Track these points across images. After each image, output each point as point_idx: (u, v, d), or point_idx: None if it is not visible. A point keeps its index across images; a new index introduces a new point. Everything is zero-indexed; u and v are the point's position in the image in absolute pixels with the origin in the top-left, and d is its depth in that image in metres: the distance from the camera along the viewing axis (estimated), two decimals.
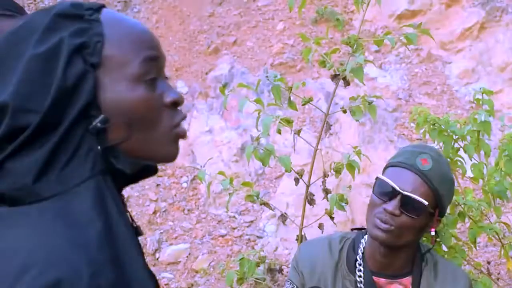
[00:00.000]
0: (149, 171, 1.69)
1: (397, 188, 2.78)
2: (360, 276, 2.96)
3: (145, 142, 1.61)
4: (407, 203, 2.77)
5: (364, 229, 3.10)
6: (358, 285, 2.96)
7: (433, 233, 2.95)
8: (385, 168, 2.95)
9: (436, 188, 2.81)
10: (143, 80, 1.59)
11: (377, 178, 2.90)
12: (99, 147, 1.52)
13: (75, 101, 1.50)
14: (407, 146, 3.08)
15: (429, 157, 2.84)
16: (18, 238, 1.47)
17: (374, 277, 2.97)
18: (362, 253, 3.00)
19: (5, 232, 1.49)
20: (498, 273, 5.73)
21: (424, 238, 3.17)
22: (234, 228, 7.68)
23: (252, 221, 7.73)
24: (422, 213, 2.80)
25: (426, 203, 2.78)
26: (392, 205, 2.76)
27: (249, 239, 7.54)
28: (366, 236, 3.02)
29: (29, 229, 1.46)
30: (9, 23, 2.64)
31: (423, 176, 2.80)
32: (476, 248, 4.06)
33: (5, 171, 1.50)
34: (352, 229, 3.19)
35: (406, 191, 2.77)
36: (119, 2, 10.72)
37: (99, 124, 1.51)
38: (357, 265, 2.99)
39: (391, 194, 2.79)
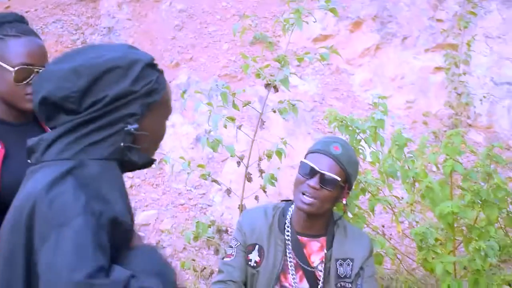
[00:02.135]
0: (150, 163, 1.93)
1: (317, 168, 2.82)
2: (288, 236, 2.97)
3: (154, 148, 1.92)
4: (324, 180, 2.82)
5: (290, 200, 3.10)
6: (287, 242, 2.96)
7: (344, 202, 2.96)
8: (306, 154, 2.98)
9: (345, 168, 2.86)
10: (168, 117, 1.92)
11: (301, 162, 2.93)
12: (122, 144, 1.76)
13: (127, 107, 1.74)
14: (322, 138, 3.11)
15: (339, 145, 2.90)
16: (41, 174, 1.72)
17: (298, 236, 2.99)
18: (290, 218, 3.01)
19: (36, 174, 1.74)
20: (390, 234, 5.74)
21: (335, 208, 3.18)
22: (190, 199, 7.63)
23: (204, 193, 7.69)
24: (336, 187, 2.85)
25: (339, 179, 2.83)
26: (313, 181, 2.81)
27: (201, 207, 7.50)
28: (292, 206, 3.03)
29: (49, 171, 1.70)
30: (16, 41, 2.57)
31: (335, 159, 2.85)
32: (373, 215, 4.05)
33: (54, 142, 1.75)
34: (282, 201, 3.18)
35: (324, 171, 2.82)
36: (104, 28, 10.59)
37: (131, 129, 1.75)
38: (286, 228, 2.99)
39: (312, 173, 2.83)
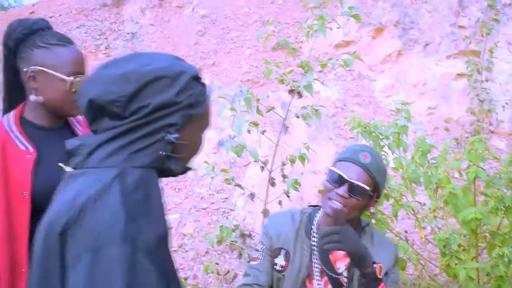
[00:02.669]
0: (186, 172, 1.95)
1: (346, 177, 2.79)
2: (314, 241, 2.94)
3: (190, 158, 1.93)
4: (353, 188, 2.78)
5: (317, 206, 3.09)
6: (313, 248, 2.94)
7: (372, 210, 2.95)
8: (335, 162, 2.93)
9: (374, 177, 2.83)
10: (206, 129, 1.94)
11: (329, 170, 2.89)
12: (161, 152, 1.77)
13: (169, 117, 1.76)
14: (351, 146, 3.06)
15: (368, 154, 2.86)
16: (82, 182, 1.71)
17: None
18: (317, 224, 2.99)
19: (77, 181, 1.74)
20: (413, 240, 5.72)
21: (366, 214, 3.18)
22: (213, 203, 7.65)
23: (226, 198, 7.70)
24: (364, 196, 2.81)
25: (367, 188, 2.80)
26: (342, 190, 2.78)
27: (224, 211, 7.51)
28: (320, 211, 3.02)
29: (91, 178, 1.71)
30: (64, 50, 2.63)
31: (365, 167, 2.81)
32: (396, 220, 4.05)
33: (97, 148, 1.75)
34: (309, 206, 3.18)
35: (352, 179, 2.78)
36: (127, 33, 10.65)
37: (171, 138, 1.76)
38: (312, 233, 2.97)
39: (341, 181, 2.80)
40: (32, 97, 2.63)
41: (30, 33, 2.63)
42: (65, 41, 2.67)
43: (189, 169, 1.94)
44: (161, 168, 1.80)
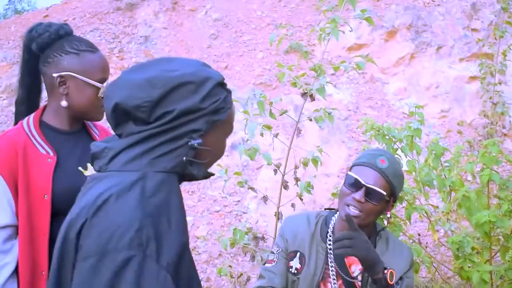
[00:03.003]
0: (207, 177, 1.94)
1: (362, 182, 2.79)
2: (330, 244, 2.94)
3: (212, 163, 1.93)
4: (370, 193, 2.78)
5: (334, 209, 3.10)
6: (329, 251, 2.94)
7: (388, 215, 2.94)
8: (352, 166, 2.94)
9: (391, 182, 2.82)
10: (229, 136, 1.94)
11: (346, 174, 2.89)
12: (184, 158, 1.77)
13: (193, 123, 1.77)
14: (368, 150, 3.06)
15: (386, 158, 2.86)
16: (105, 185, 1.72)
17: None
18: (333, 227, 2.99)
19: (100, 183, 1.74)
20: (426, 243, 5.72)
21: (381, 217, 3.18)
22: (225, 206, 7.66)
23: (239, 201, 7.72)
24: (381, 200, 2.81)
25: (384, 193, 2.79)
26: (359, 195, 2.78)
27: (237, 214, 7.53)
28: (336, 215, 3.02)
29: (113, 181, 1.71)
30: (93, 56, 2.67)
31: (382, 172, 2.81)
32: (410, 223, 4.04)
33: (121, 152, 1.76)
34: (325, 209, 3.18)
35: (369, 184, 2.78)
36: (141, 37, 10.69)
37: (195, 144, 1.76)
38: (328, 236, 2.97)
39: (358, 186, 2.80)
40: (64, 103, 2.66)
41: (56, 38, 2.66)
42: (93, 47, 2.72)
43: (212, 174, 1.94)
44: (183, 173, 1.80)
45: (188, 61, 1.86)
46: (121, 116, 1.76)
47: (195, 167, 1.82)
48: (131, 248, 1.58)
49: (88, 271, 1.59)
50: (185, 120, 1.75)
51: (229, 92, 1.89)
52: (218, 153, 1.93)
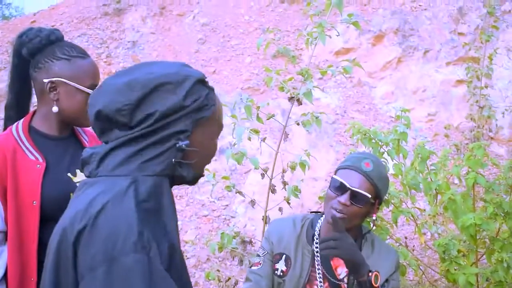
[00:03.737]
0: (198, 178, 1.95)
1: (347, 185, 2.79)
2: (316, 247, 2.94)
3: (203, 164, 1.92)
4: (355, 196, 2.78)
5: (320, 212, 3.10)
6: (315, 253, 2.94)
7: (374, 217, 2.95)
8: (337, 170, 2.94)
9: (376, 184, 2.83)
10: (217, 137, 1.93)
11: (332, 178, 2.90)
12: (173, 160, 1.77)
13: (177, 124, 1.76)
14: (353, 153, 3.07)
15: (370, 161, 2.86)
16: (95, 190, 1.71)
17: None
18: (319, 230, 2.99)
19: (89, 189, 1.74)
20: (413, 246, 5.74)
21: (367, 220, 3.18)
22: (214, 210, 7.66)
23: (227, 205, 7.72)
24: (366, 203, 2.81)
25: (369, 195, 2.80)
26: (344, 198, 2.78)
27: (225, 218, 7.52)
28: (322, 218, 3.03)
29: (104, 187, 1.71)
30: (84, 62, 2.67)
31: (366, 175, 2.81)
32: (396, 226, 4.06)
33: (107, 155, 1.77)
34: (311, 212, 3.19)
35: (354, 187, 2.78)
36: (128, 41, 10.68)
37: (183, 145, 1.76)
38: (315, 239, 2.97)
39: (343, 189, 2.80)
40: (55, 109, 2.66)
41: (47, 44, 2.67)
42: (84, 53, 2.73)
43: (202, 175, 1.93)
44: (173, 175, 1.80)
45: (168, 63, 1.85)
46: (104, 122, 1.75)
47: (185, 169, 1.82)
48: (137, 251, 1.57)
49: (100, 281, 1.57)
50: (168, 121, 1.74)
51: (211, 89, 1.88)
52: (206, 152, 1.91)
